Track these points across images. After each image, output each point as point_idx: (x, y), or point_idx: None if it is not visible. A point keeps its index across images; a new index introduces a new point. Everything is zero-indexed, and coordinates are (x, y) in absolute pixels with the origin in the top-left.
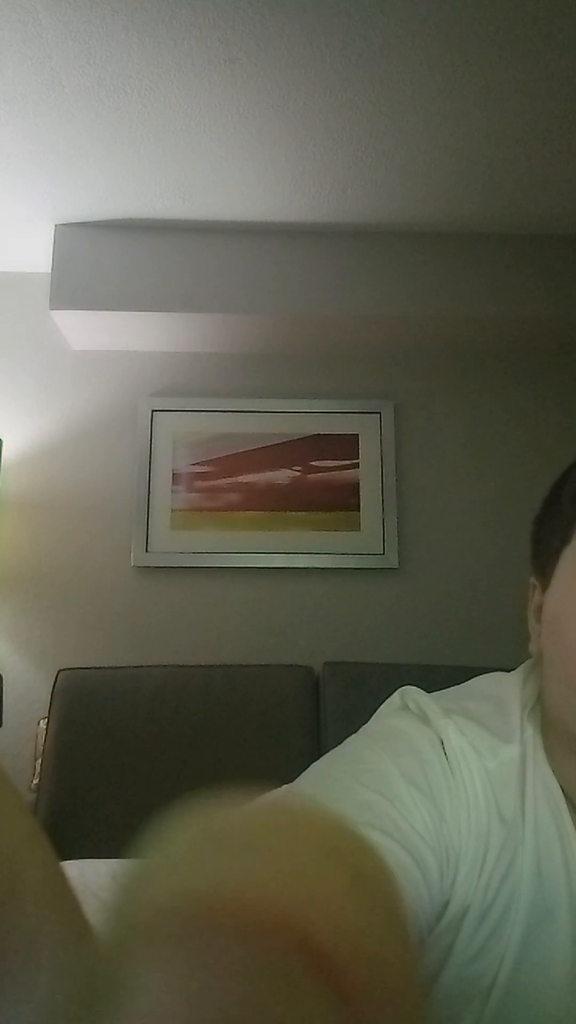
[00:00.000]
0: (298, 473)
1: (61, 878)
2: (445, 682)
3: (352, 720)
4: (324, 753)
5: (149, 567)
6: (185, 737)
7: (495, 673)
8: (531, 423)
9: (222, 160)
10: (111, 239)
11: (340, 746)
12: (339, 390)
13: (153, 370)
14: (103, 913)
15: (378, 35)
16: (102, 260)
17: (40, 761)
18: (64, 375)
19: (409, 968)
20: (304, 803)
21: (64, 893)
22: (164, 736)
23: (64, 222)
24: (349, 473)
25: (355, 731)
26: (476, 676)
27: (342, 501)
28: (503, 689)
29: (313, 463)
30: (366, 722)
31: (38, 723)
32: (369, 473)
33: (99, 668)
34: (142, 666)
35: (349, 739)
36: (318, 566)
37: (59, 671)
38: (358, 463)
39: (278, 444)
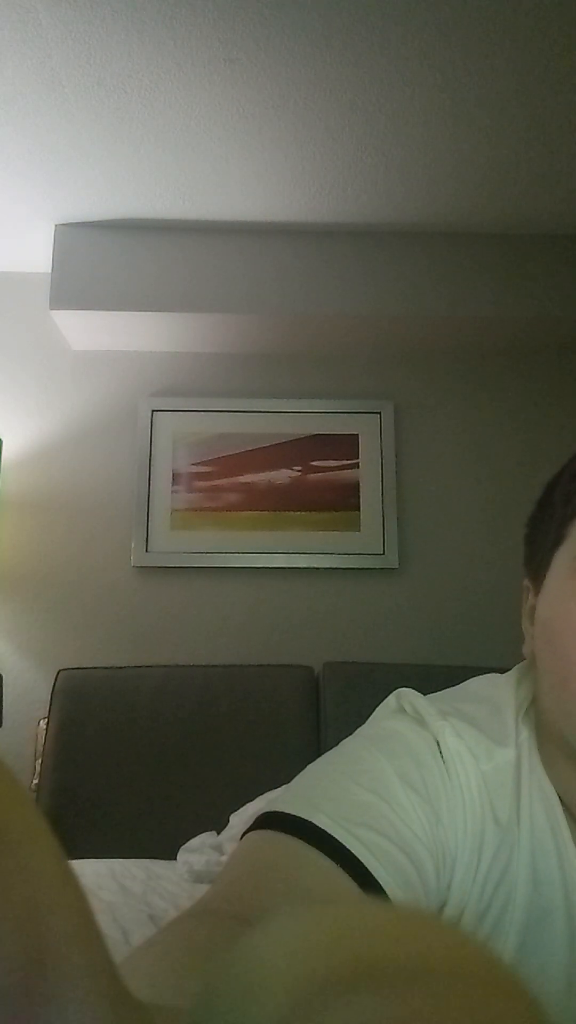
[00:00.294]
0: (298, 473)
1: (97, 931)
2: (445, 682)
3: (352, 720)
4: (324, 753)
5: (149, 567)
6: (185, 737)
7: (489, 675)
8: (531, 423)
9: (222, 160)
10: (111, 239)
11: (336, 748)
12: (339, 390)
13: (153, 370)
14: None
15: (378, 35)
16: (102, 260)
17: (40, 761)
18: (64, 375)
19: None
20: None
21: (100, 949)
22: (164, 736)
23: (64, 222)
24: (349, 473)
25: (355, 731)
26: (475, 676)
27: (342, 501)
28: (497, 691)
29: (313, 463)
30: (365, 722)
31: (38, 723)
32: (369, 473)
33: (99, 668)
34: (142, 666)
35: (345, 741)
36: (318, 566)
37: (59, 671)
38: (358, 463)
39: (278, 444)
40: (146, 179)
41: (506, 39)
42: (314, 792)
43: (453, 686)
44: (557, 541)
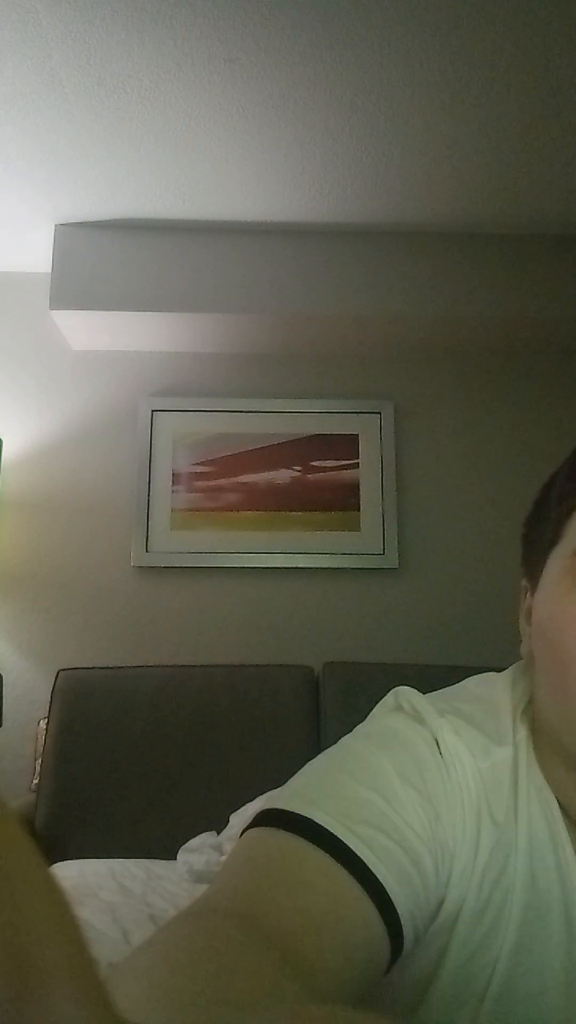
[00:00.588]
0: (298, 473)
1: (88, 961)
2: (445, 682)
3: (351, 720)
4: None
5: (149, 567)
6: (185, 737)
7: (486, 674)
8: (531, 423)
9: (222, 160)
10: (111, 239)
11: (335, 745)
12: (339, 390)
13: (153, 370)
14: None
15: (378, 35)
16: (102, 260)
17: (40, 761)
18: (64, 375)
19: None
20: None
21: (92, 980)
22: (164, 736)
23: (64, 222)
24: (349, 473)
25: (352, 731)
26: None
27: (342, 501)
28: (494, 691)
29: (313, 463)
30: (364, 720)
31: (38, 723)
32: (369, 473)
33: (99, 668)
34: (142, 666)
35: (343, 738)
36: (318, 566)
37: (59, 671)
38: (358, 463)
39: (278, 444)
40: (146, 179)
41: (506, 40)
42: (313, 789)
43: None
44: (553, 540)
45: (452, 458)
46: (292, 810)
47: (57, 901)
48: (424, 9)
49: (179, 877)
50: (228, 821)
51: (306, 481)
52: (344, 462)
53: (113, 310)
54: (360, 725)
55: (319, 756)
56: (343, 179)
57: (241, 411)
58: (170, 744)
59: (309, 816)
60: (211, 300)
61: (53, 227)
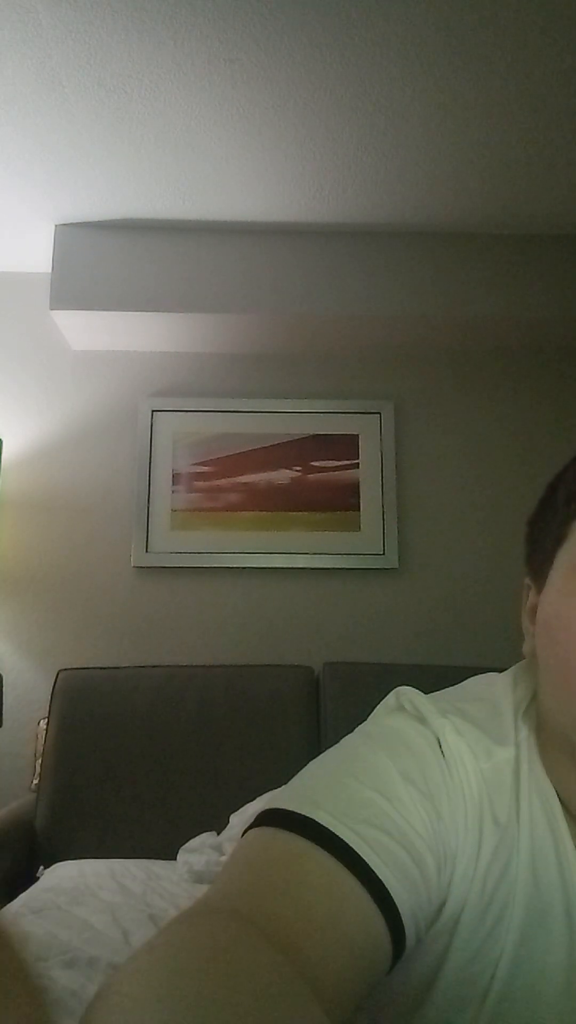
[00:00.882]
0: (298, 473)
1: None
2: (445, 682)
3: (352, 720)
4: (322, 753)
5: (149, 567)
6: (185, 737)
7: (487, 674)
8: (531, 423)
9: (222, 160)
10: (111, 239)
11: (336, 745)
12: (339, 390)
13: (153, 370)
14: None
15: (377, 35)
16: (102, 260)
17: (40, 761)
18: (64, 375)
19: None
20: None
21: None
22: (164, 736)
23: (64, 222)
24: (349, 473)
25: (354, 731)
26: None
27: (342, 501)
28: (496, 691)
29: (313, 463)
30: (365, 720)
31: (38, 723)
32: (369, 473)
33: (99, 668)
34: (142, 666)
35: (345, 738)
36: (318, 566)
37: (59, 671)
38: (358, 463)
39: (278, 444)
40: (146, 179)
41: (506, 39)
42: (315, 789)
43: (452, 686)
44: (559, 540)
45: (452, 458)
46: (294, 810)
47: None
48: (424, 9)
49: (179, 877)
50: (228, 821)
51: (306, 481)
52: (344, 462)
53: (113, 310)
54: (362, 725)
55: (321, 756)
56: (343, 179)
57: (241, 411)
58: (170, 744)
59: (311, 816)
60: (211, 300)
61: (53, 227)
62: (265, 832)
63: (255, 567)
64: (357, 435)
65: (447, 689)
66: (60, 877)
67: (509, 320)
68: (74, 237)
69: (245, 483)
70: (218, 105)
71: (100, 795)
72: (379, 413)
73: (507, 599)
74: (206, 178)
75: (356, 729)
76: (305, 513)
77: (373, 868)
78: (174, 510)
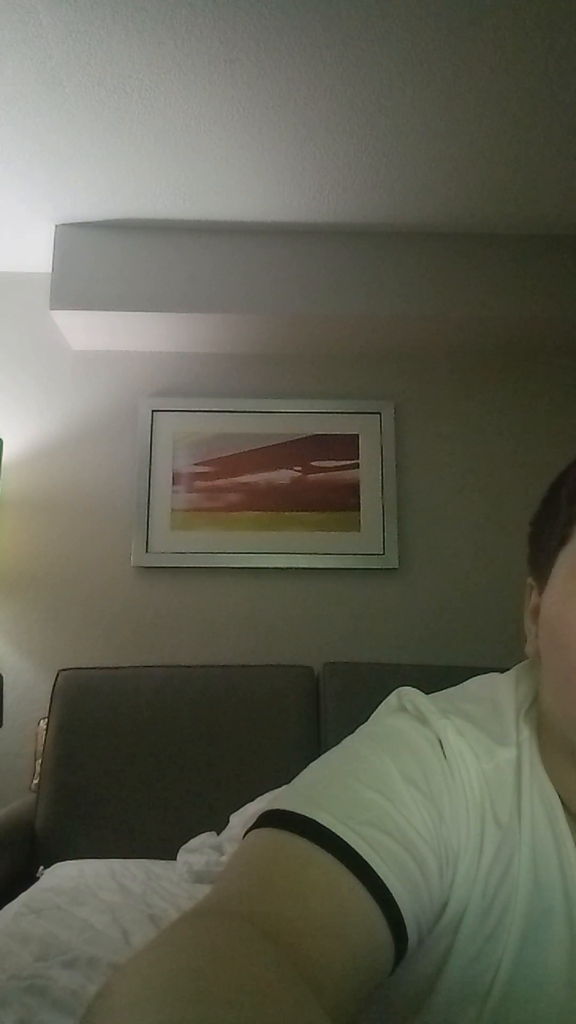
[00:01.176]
0: (298, 473)
1: None
2: (445, 682)
3: (352, 720)
4: (324, 753)
5: (149, 567)
6: (185, 738)
7: (489, 674)
8: (531, 423)
9: (222, 160)
10: (111, 239)
11: (338, 746)
12: (339, 390)
13: (153, 370)
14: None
15: (377, 35)
16: (102, 260)
17: (40, 761)
18: (64, 375)
19: None
20: None
21: None
22: (164, 736)
23: (64, 222)
24: (349, 473)
25: (355, 731)
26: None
27: (342, 501)
28: (497, 691)
29: (313, 463)
30: (365, 722)
31: (38, 723)
32: (369, 473)
33: (99, 668)
34: (142, 666)
35: (347, 739)
36: (318, 566)
37: (59, 671)
38: (358, 463)
39: (278, 444)
40: (146, 179)
41: (506, 40)
42: (317, 790)
43: (453, 686)
44: (562, 540)
45: (452, 458)
46: (296, 811)
47: None
48: (424, 9)
49: (179, 877)
50: (228, 821)
51: (306, 481)
52: (344, 462)
53: (113, 310)
54: (363, 726)
55: (322, 757)
56: (343, 179)
57: (241, 411)
58: (170, 744)
59: (313, 817)
60: (211, 300)
61: (53, 227)
62: (267, 833)
63: (255, 567)
64: (357, 435)
65: (448, 689)
66: (60, 877)
67: (510, 320)
68: (74, 237)
69: (245, 483)
70: (218, 105)
71: (100, 795)
72: (379, 413)
73: (508, 599)
74: (206, 178)
75: (357, 730)
76: (305, 513)
77: (375, 869)
78: (174, 510)
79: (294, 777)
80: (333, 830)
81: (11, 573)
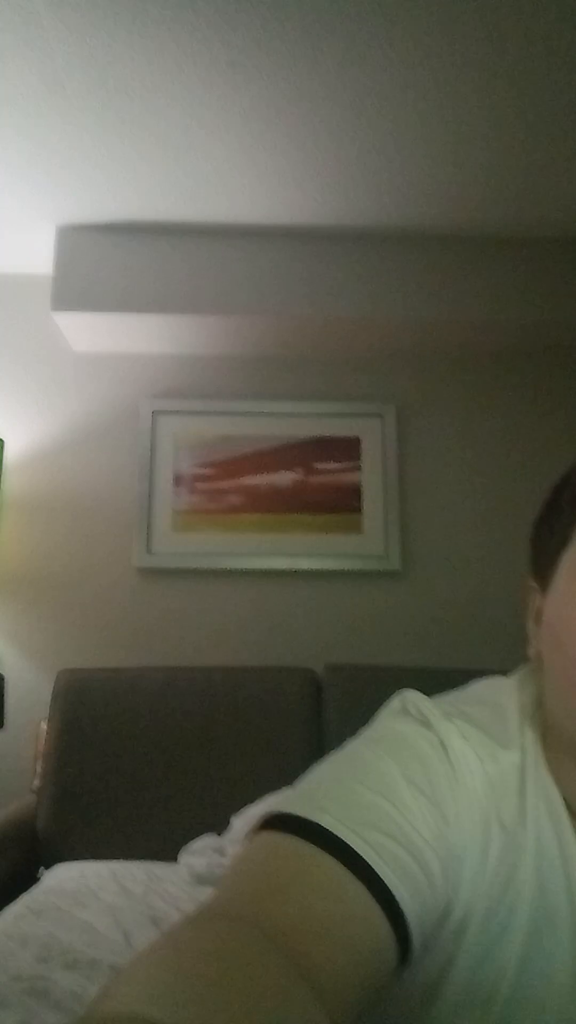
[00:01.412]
0: (300, 475)
1: None
2: (448, 685)
3: (354, 723)
4: (326, 756)
5: (151, 568)
6: (186, 739)
7: (492, 677)
8: (533, 426)
9: (223, 162)
10: (112, 241)
11: (340, 749)
12: (340, 393)
13: (155, 372)
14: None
15: (380, 39)
16: (103, 262)
17: (41, 762)
18: (66, 377)
19: None
20: None
21: None
22: (165, 738)
23: (66, 224)
24: (351, 476)
25: (358, 733)
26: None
27: (344, 503)
28: (501, 694)
29: (315, 465)
30: (368, 725)
31: (39, 724)
32: (371, 476)
33: (100, 669)
34: (143, 667)
35: (350, 742)
36: (320, 568)
37: (60, 672)
38: (360, 465)
39: (280, 446)
40: (147, 181)
41: (508, 44)
42: (320, 793)
43: (456, 689)
44: (564, 542)
45: (454, 461)
46: (300, 814)
47: None
48: (426, 13)
49: (180, 879)
50: (229, 823)
51: (308, 483)
52: (346, 464)
53: (115, 312)
54: (366, 729)
55: (325, 760)
56: (345, 182)
57: (243, 413)
58: (171, 746)
59: (317, 820)
60: (212, 302)
61: (55, 229)
62: (271, 836)
63: (257, 569)
64: (359, 437)
65: (451, 692)
66: (61, 878)
67: (512, 322)
68: (75, 238)
69: (247, 485)
70: (220, 108)
71: (101, 796)
72: (381, 415)
73: (510, 601)
74: (207, 180)
75: (360, 733)
76: (307, 515)
77: (379, 874)
78: (176, 512)
79: (295, 779)
80: (336, 833)
81: (13, 574)
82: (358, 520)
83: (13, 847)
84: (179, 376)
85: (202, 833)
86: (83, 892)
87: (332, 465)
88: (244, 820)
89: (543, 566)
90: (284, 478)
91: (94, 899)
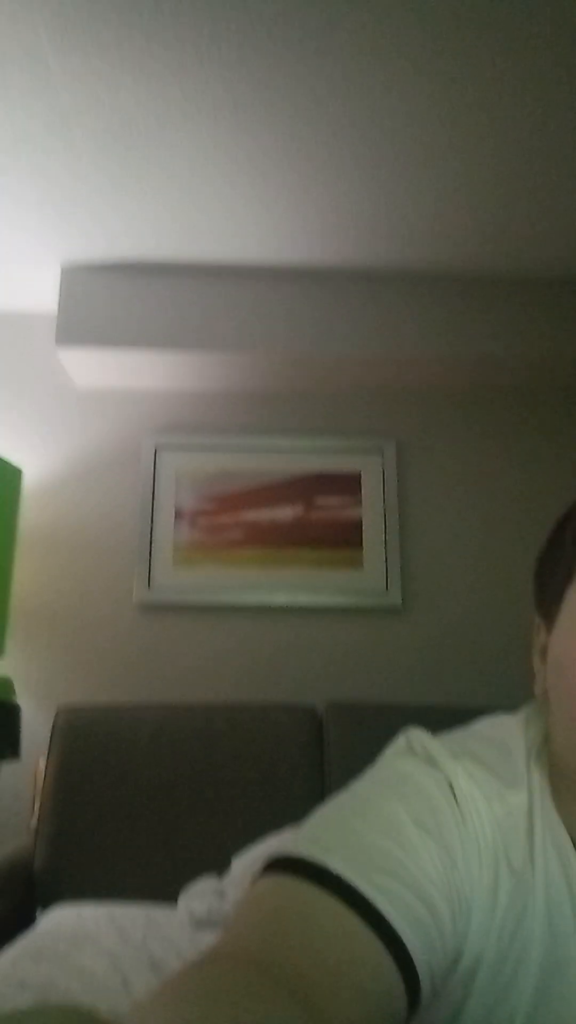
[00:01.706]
0: (301, 511)
1: None
2: (452, 723)
3: (356, 761)
4: (328, 795)
5: (151, 604)
6: (186, 777)
7: (497, 716)
8: (533, 462)
9: (227, 203)
10: (117, 279)
11: (346, 790)
12: (341, 428)
13: (157, 408)
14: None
15: (381, 81)
16: (108, 300)
17: (39, 800)
18: (69, 412)
19: None
20: None
21: None
22: (165, 776)
23: (71, 263)
24: (352, 511)
25: (360, 772)
26: (482, 717)
27: (345, 539)
28: (507, 732)
29: (316, 500)
30: (370, 764)
31: (37, 761)
32: (371, 511)
33: (99, 706)
34: (143, 705)
35: (355, 783)
36: (321, 604)
37: (59, 708)
38: (360, 501)
39: (281, 482)
40: (152, 221)
41: (511, 86)
42: (327, 836)
43: (459, 726)
44: (569, 578)
45: (455, 496)
46: (307, 857)
47: None
48: (430, 58)
49: (180, 923)
50: (230, 864)
51: (309, 519)
52: (346, 500)
53: (118, 349)
54: (371, 769)
55: (331, 801)
56: (347, 223)
57: (244, 448)
58: (171, 784)
59: (324, 863)
60: (214, 339)
61: (60, 268)
62: (277, 879)
63: (257, 604)
64: (359, 473)
65: (456, 731)
66: (59, 921)
67: (512, 360)
68: (80, 277)
69: (248, 520)
70: (223, 150)
71: (100, 836)
72: (381, 451)
73: (513, 638)
74: (210, 220)
75: (365, 773)
76: (308, 550)
77: (389, 921)
78: (177, 547)
79: (296, 819)
80: (345, 877)
81: (12, 608)
82: (359, 555)
83: (10, 888)
84: (181, 411)
85: (202, 874)
86: (81, 936)
87: (333, 500)
88: (245, 862)
89: (548, 602)
90: (285, 513)
91: (92, 943)
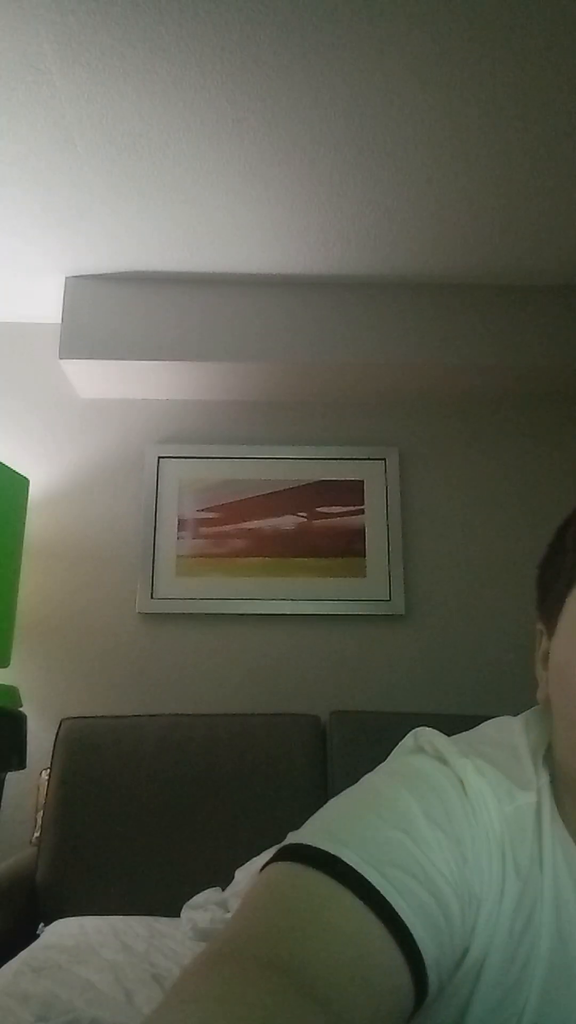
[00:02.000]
0: (303, 519)
1: None
2: (455, 731)
3: (360, 770)
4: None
5: (154, 613)
6: (190, 788)
7: (501, 718)
8: (536, 469)
9: (229, 214)
10: (120, 290)
11: (358, 783)
12: (344, 437)
13: (159, 417)
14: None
15: (380, 94)
16: (110, 311)
17: (42, 813)
18: (72, 423)
19: None
20: None
21: None
22: (168, 787)
23: (74, 274)
24: (354, 519)
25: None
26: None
27: (347, 547)
28: (512, 735)
29: (318, 509)
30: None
31: (40, 773)
32: (374, 519)
33: (102, 717)
34: (146, 715)
35: (367, 777)
36: (324, 612)
37: (62, 720)
38: (363, 509)
39: (283, 490)
40: (155, 233)
41: (510, 95)
42: (339, 827)
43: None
44: (570, 584)
45: (457, 504)
46: (319, 847)
47: None
48: (429, 68)
49: (183, 935)
50: (233, 876)
51: (311, 527)
52: (349, 508)
53: (121, 359)
54: (383, 764)
55: (343, 793)
56: (348, 232)
57: (246, 457)
58: (174, 796)
59: (337, 855)
60: (217, 349)
61: (63, 279)
62: (288, 867)
63: (261, 613)
64: (362, 481)
65: (464, 733)
66: (61, 934)
67: (514, 367)
68: (83, 289)
69: (251, 529)
70: (225, 162)
71: (102, 848)
72: (384, 459)
73: (515, 645)
74: (213, 232)
75: (378, 768)
76: (310, 559)
77: (401, 915)
78: (180, 556)
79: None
80: (358, 870)
81: (17, 619)
82: (362, 564)
83: (12, 902)
84: (184, 421)
85: (205, 886)
86: (83, 949)
87: (335, 509)
88: (248, 873)
89: (550, 608)
90: (287, 522)
91: (95, 956)
